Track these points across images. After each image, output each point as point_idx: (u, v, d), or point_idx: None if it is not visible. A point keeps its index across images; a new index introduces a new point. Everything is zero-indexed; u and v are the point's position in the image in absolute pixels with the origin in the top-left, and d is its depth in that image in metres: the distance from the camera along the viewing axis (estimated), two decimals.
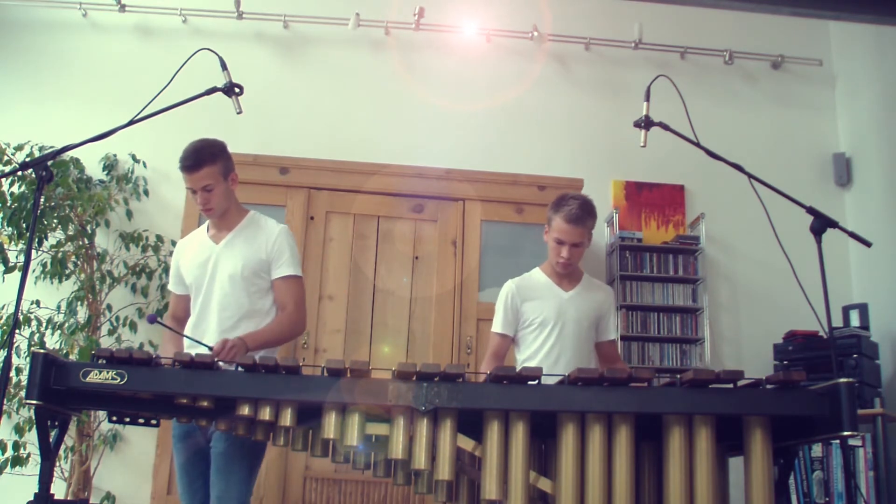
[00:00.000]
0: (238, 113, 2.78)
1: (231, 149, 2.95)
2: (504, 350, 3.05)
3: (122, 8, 5.09)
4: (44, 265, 4.48)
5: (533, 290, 3.04)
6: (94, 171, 4.79)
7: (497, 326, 3.05)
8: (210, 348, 2.61)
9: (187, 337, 2.76)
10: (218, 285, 2.84)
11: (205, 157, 2.80)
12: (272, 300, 2.90)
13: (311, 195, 4.42)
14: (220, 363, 2.36)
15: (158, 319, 2.68)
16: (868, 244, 2.69)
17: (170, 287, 3.05)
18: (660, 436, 2.21)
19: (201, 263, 2.89)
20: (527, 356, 3.01)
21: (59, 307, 4.42)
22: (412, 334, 4.31)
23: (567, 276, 3.05)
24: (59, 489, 3.68)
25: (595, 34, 5.32)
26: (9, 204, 4.33)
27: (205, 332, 2.81)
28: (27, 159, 4.37)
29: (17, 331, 2.93)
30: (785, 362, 4.46)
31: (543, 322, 2.98)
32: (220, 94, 2.76)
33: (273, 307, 2.90)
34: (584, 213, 2.92)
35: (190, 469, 2.80)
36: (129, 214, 4.78)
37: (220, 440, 2.70)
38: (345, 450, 2.32)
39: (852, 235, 2.71)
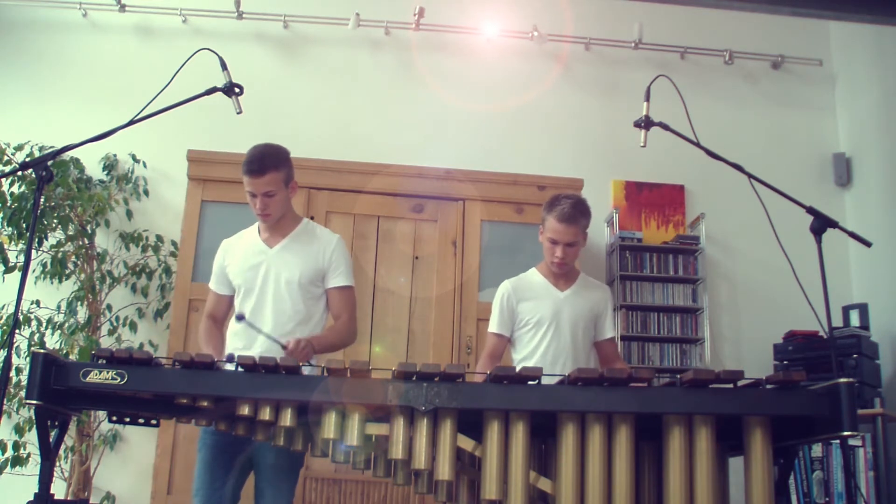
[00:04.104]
0: (238, 113, 2.78)
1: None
2: (500, 350, 3.05)
3: (122, 8, 5.09)
4: (44, 265, 4.48)
5: (529, 290, 3.05)
6: (94, 171, 4.79)
7: (493, 326, 3.05)
8: (284, 347, 2.64)
9: (266, 335, 2.73)
10: (273, 290, 2.85)
11: (270, 163, 2.80)
12: (324, 306, 2.94)
13: (311, 195, 4.42)
14: (220, 363, 2.35)
15: (247, 320, 2.76)
16: (868, 244, 2.69)
17: (211, 286, 3.02)
18: (660, 436, 2.20)
19: (253, 266, 2.89)
20: (523, 356, 3.01)
21: (59, 307, 4.42)
22: (412, 334, 4.31)
23: (563, 275, 3.05)
24: (59, 489, 3.68)
25: (595, 34, 5.32)
26: (9, 204, 4.33)
27: (257, 336, 2.80)
28: (27, 159, 4.37)
29: (17, 331, 2.93)
30: (785, 362, 4.46)
31: (539, 322, 2.99)
32: (220, 94, 2.76)
33: (324, 313, 2.94)
34: (577, 212, 2.93)
35: (216, 468, 2.77)
36: (129, 214, 4.77)
37: (268, 452, 2.72)
38: (339, 451, 2.33)
39: (852, 235, 2.70)
